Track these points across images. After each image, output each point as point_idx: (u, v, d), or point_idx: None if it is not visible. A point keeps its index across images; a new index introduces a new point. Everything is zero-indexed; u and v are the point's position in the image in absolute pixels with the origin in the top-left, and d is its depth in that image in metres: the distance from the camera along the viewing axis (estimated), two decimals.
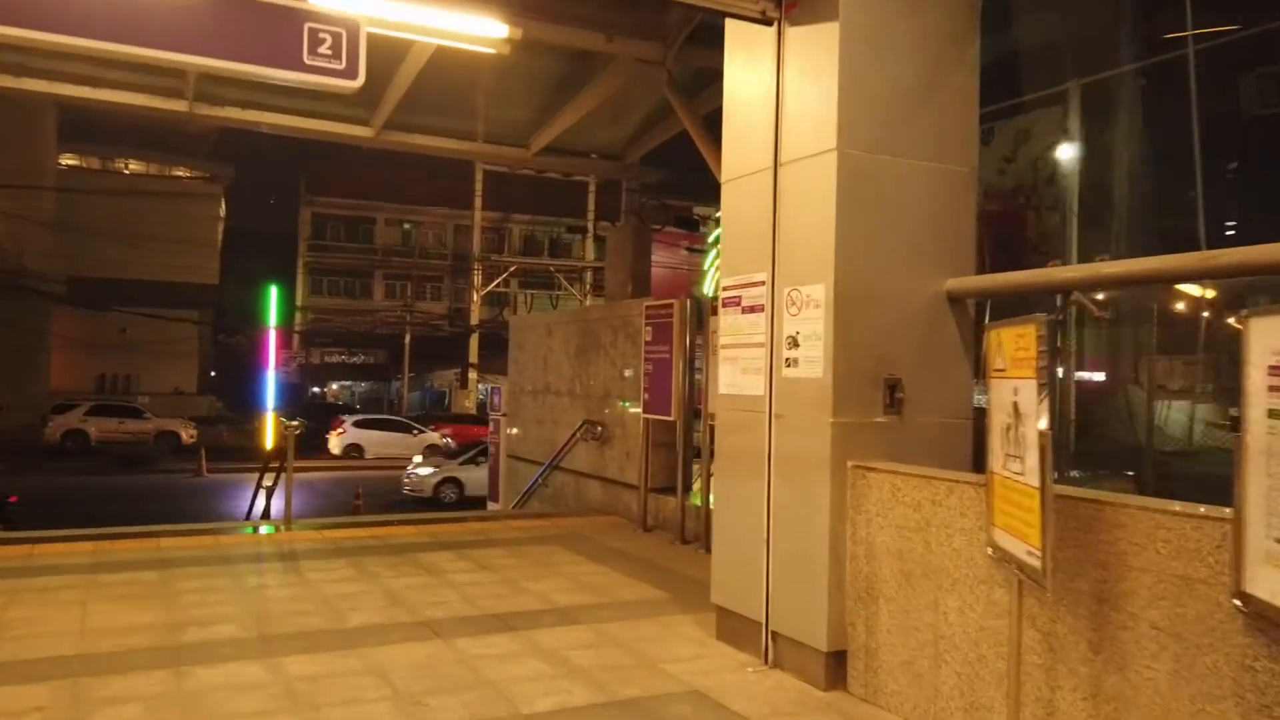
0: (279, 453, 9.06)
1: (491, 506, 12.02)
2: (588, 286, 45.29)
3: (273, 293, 27.80)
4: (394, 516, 8.28)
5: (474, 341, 41.71)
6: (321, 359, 46.40)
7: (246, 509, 10.48)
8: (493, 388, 12.06)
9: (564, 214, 46.60)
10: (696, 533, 7.36)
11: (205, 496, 20.62)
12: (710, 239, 21.68)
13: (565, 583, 5.91)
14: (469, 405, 40.89)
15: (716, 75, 7.78)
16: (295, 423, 7.74)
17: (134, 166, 43.23)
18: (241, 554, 6.70)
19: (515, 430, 11.39)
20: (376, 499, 18.69)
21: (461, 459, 21.15)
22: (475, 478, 19.57)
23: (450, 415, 38.27)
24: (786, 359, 4.20)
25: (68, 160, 41.07)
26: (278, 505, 9.66)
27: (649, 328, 7.77)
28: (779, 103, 4.32)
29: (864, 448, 3.97)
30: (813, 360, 4.04)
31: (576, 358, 9.53)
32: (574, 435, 9.36)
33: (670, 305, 7.55)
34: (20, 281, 32.77)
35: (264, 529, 7.67)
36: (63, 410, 30.42)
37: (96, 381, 40.84)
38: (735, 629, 4.53)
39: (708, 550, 6.94)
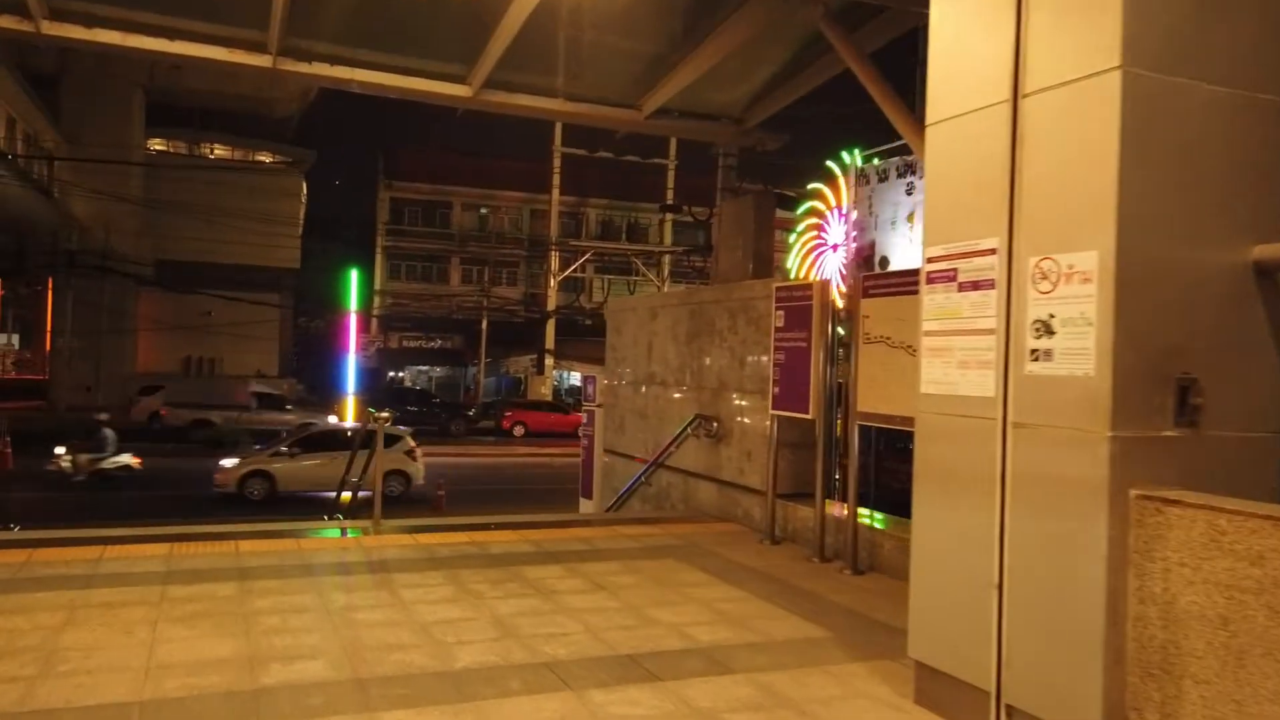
0: (363, 444, 8.35)
1: (584, 504, 11.21)
2: (665, 272, 44.45)
3: (353, 276, 27.58)
4: (491, 519, 7.49)
5: (550, 327, 41.20)
6: (399, 343, 46.49)
7: (334, 501, 9.83)
8: (585, 377, 11.21)
9: (641, 198, 45.80)
10: (837, 549, 6.39)
11: None
12: (800, 210, 20.49)
13: (700, 611, 5.00)
14: (545, 392, 40.43)
15: (876, 9, 6.84)
16: (385, 414, 6.99)
17: (218, 151, 43.70)
18: (326, 562, 5.96)
19: (594, 418, 10.55)
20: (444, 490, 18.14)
21: (272, 449, 18.80)
22: (291, 472, 18.09)
23: (526, 402, 37.83)
24: (1032, 350, 3.20)
25: (155, 144, 41.67)
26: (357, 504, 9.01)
27: (780, 312, 6.80)
28: (1022, 11, 3.30)
29: (1149, 471, 2.95)
30: (1077, 352, 3.04)
31: (687, 345, 8.60)
32: (683, 431, 8.45)
33: (809, 288, 6.56)
34: (108, 264, 33.27)
35: (350, 530, 6.95)
36: (149, 392, 30.73)
37: (182, 363, 41.46)
38: (944, 695, 3.56)
39: (855, 571, 5.97)
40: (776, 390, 6.84)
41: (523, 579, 5.61)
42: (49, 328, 37.93)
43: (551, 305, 41.47)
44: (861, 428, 6.12)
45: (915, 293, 5.62)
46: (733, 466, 7.75)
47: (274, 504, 17.33)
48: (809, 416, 6.49)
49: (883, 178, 11.76)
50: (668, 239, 44.88)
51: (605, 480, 10.49)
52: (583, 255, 43.28)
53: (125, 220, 36.25)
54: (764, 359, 7.37)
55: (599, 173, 44.73)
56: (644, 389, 9.51)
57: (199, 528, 6.86)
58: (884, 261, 10.93)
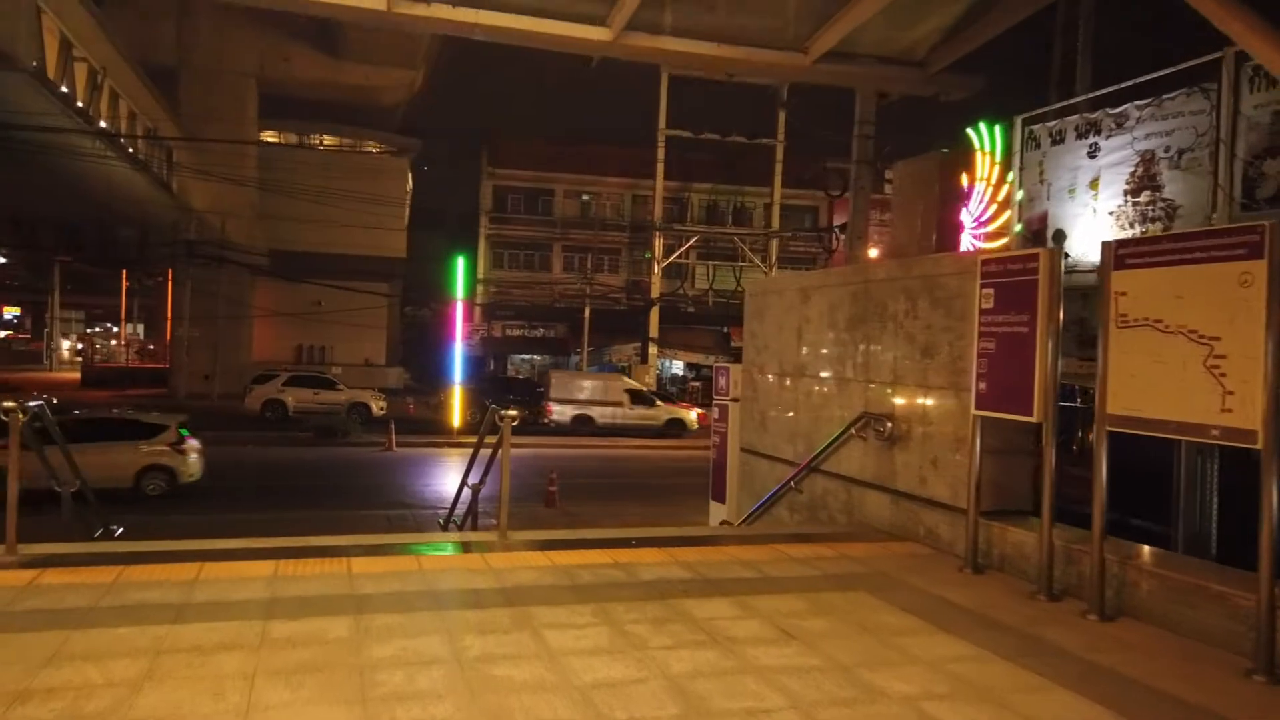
0: (483, 442, 7.45)
1: (715, 509, 10.14)
2: (773, 258, 42.94)
3: (459, 264, 27.13)
4: (630, 533, 6.50)
5: (654, 315, 40.29)
6: (502, 332, 46.31)
7: (448, 511, 9.00)
8: (718, 368, 10.13)
9: (747, 181, 44.40)
10: (1065, 584, 5.15)
11: (394, 472, 19.96)
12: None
13: (930, 677, 3.86)
14: (649, 381, 39.55)
15: None
16: (513, 413, 6.05)
17: (327, 141, 44.26)
18: (453, 589, 5.04)
19: (724, 410, 9.45)
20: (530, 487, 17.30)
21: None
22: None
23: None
24: None
25: (267, 135, 42.41)
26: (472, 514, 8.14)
27: (989, 291, 5.55)
28: None
29: None
30: None
31: (848, 331, 7.41)
32: (845, 432, 7.28)
33: (1033, 258, 5.29)
34: (225, 254, 33.84)
35: (474, 545, 6.05)
36: (263, 380, 31.09)
37: (294, 352, 42.24)
38: None
39: (1103, 617, 4.72)
40: (982, 386, 5.61)
41: (689, 619, 4.56)
42: (169, 317, 39.00)
43: (655, 292, 40.55)
44: (1113, 434, 4.84)
45: (1208, 261, 4.34)
46: (911, 475, 6.55)
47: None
48: (1032, 419, 5.24)
49: (1057, 140, 10.29)
50: (775, 223, 43.36)
51: (743, 483, 9.39)
52: (687, 241, 42.18)
53: (240, 212, 36.92)
54: (956, 348, 6.14)
55: (703, 156, 43.53)
56: (792, 381, 8.36)
57: (308, 540, 6.06)
58: (1059, 235, 9.50)
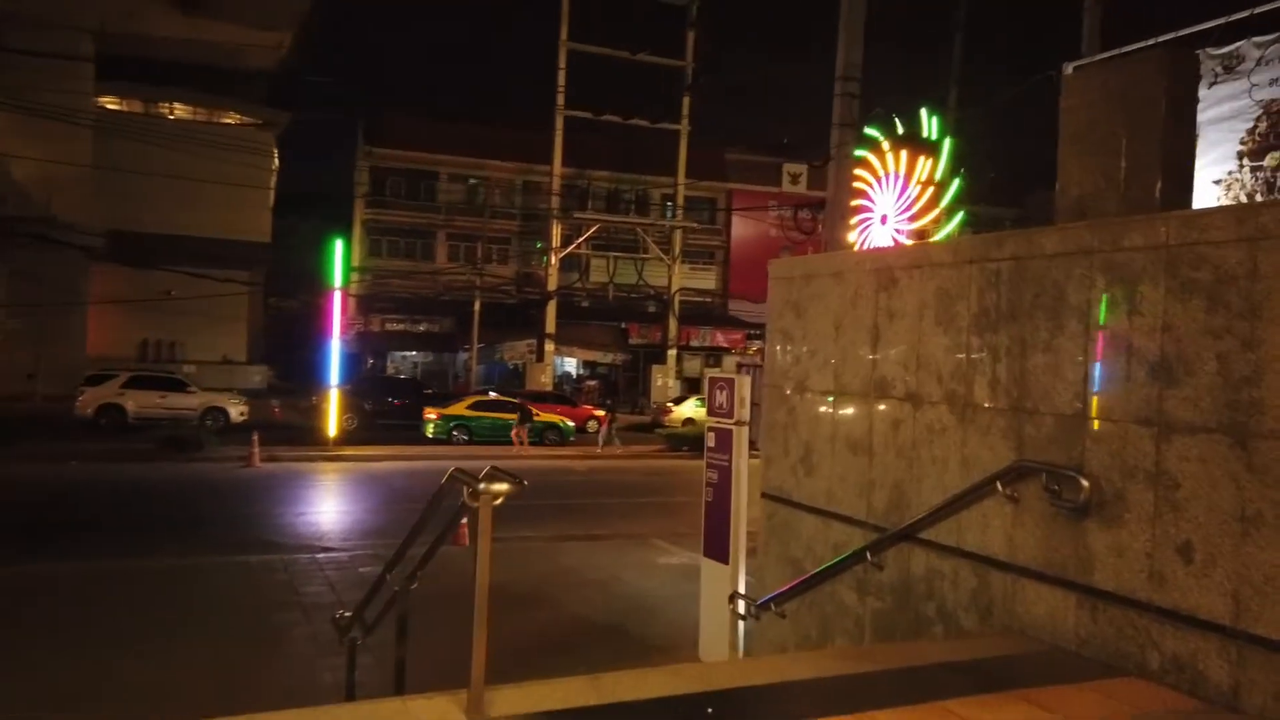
0: (427, 520, 4.57)
1: (709, 569, 7.49)
2: (676, 250, 40.67)
3: (337, 248, 23.53)
4: (687, 681, 3.81)
5: (551, 309, 37.37)
6: (381, 326, 42.36)
7: (352, 613, 5.96)
8: (715, 379, 7.49)
9: (649, 169, 42.00)
10: None
11: (259, 495, 16.42)
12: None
13: None
14: (545, 381, 36.63)
15: None
16: (501, 487, 3.19)
17: (179, 111, 39.27)
18: None
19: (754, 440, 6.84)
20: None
21: None
22: None
23: (527, 393, 33.94)
24: None
25: (107, 102, 37.16)
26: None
27: None
28: None
29: None
30: None
31: (980, 333, 4.88)
32: (980, 487, 4.75)
33: None
34: (50, 233, 28.94)
35: None
36: (98, 381, 26.54)
37: (138, 348, 37.26)
38: None
39: None
40: None
41: None
42: None
43: (552, 285, 37.64)
44: None
45: None
46: (1131, 567, 4.05)
47: None
48: None
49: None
50: (680, 213, 41.06)
51: (770, 542, 6.76)
52: (586, 230, 39.42)
53: (72, 186, 31.92)
54: (1240, 363, 3.68)
55: (603, 140, 40.86)
56: (861, 406, 5.77)
57: None
58: None
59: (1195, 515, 3.82)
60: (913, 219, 17.72)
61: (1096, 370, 4.27)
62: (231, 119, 39.48)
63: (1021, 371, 4.67)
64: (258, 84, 39.59)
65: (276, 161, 41.40)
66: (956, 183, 17.70)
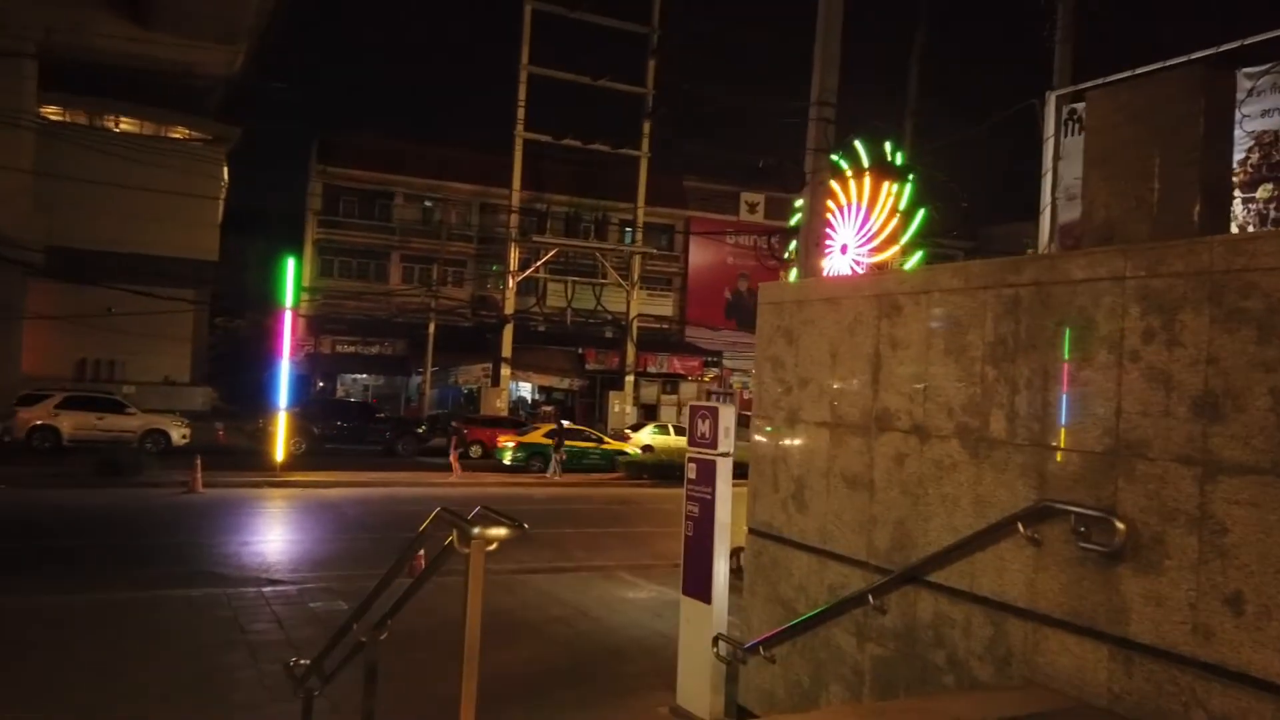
0: (407, 563, 4.12)
1: (690, 610, 7.10)
2: (635, 275, 40.41)
3: (289, 267, 22.81)
4: None
5: (508, 333, 36.83)
6: (332, 348, 41.36)
7: (310, 661, 5.43)
8: (698, 407, 7.17)
9: (608, 194, 41.83)
10: None
11: (201, 523, 15.60)
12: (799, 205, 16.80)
13: None
14: (500, 405, 36.01)
15: None
16: (498, 531, 2.76)
17: (126, 124, 38.12)
18: None
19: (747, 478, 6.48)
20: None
21: None
22: None
23: (481, 418, 33.31)
24: None
25: (50, 113, 35.95)
26: None
27: None
28: None
29: None
30: None
31: (996, 362, 4.58)
32: (997, 527, 4.43)
33: None
34: None
35: None
36: (31, 401, 25.36)
37: (76, 367, 35.85)
38: None
39: None
40: None
41: None
42: None
43: (509, 308, 37.12)
44: None
45: None
46: (1172, 618, 3.75)
47: None
48: None
49: None
50: (640, 238, 40.89)
51: (759, 582, 6.38)
52: (545, 254, 39.02)
53: (11, 198, 30.68)
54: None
55: (561, 166, 40.65)
56: (862, 439, 5.43)
57: None
58: None
59: (1246, 563, 3.53)
60: (874, 251, 17.63)
61: (1129, 403, 3.98)
62: (180, 133, 38.45)
63: (1044, 405, 4.37)
64: (210, 99, 38.64)
65: (226, 178, 40.37)
66: (921, 213, 17.63)
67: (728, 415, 7.05)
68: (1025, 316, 4.49)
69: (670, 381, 43.93)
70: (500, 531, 2.76)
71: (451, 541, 2.88)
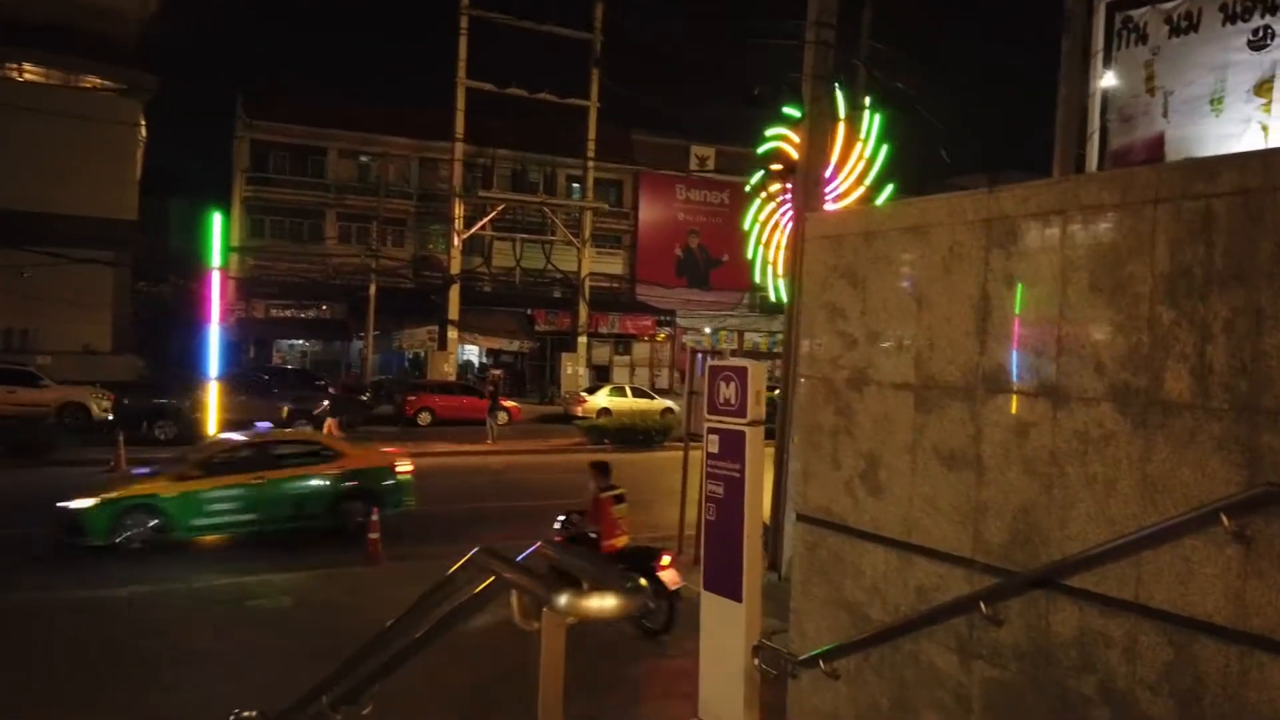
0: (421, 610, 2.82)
1: (711, 607, 5.99)
2: (586, 233, 38.92)
3: (215, 224, 20.91)
4: None
5: (454, 294, 35.14)
6: (266, 312, 39.18)
7: None
8: (718, 368, 6.00)
9: (557, 150, 40.09)
10: None
11: None
12: (757, 179, 15.56)
13: None
14: (448, 370, 34.44)
15: None
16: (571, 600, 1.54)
17: (30, 74, 35.11)
18: None
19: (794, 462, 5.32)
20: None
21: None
22: None
23: (430, 383, 31.75)
24: None
25: None
26: None
27: None
28: None
29: None
30: None
31: (1181, 305, 3.45)
32: (1187, 519, 3.33)
33: None
34: None
35: None
36: None
37: None
38: None
39: None
40: None
41: None
42: None
43: (455, 268, 35.40)
44: None
45: None
46: None
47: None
48: None
49: (1183, 26, 6.90)
50: (590, 193, 39.36)
51: (814, 582, 5.22)
52: (491, 210, 37.28)
53: None
54: None
55: (507, 121, 38.68)
56: (965, 405, 4.29)
57: None
58: None
59: None
60: (838, 199, 16.49)
61: None
62: (91, 83, 35.57)
63: (1254, 356, 3.24)
64: (124, 49, 35.74)
65: (144, 133, 37.60)
66: (884, 151, 16.43)
67: (757, 373, 5.89)
68: (1223, 238, 3.35)
69: (622, 342, 42.72)
70: (610, 603, 1.52)
71: (508, 606, 1.63)
